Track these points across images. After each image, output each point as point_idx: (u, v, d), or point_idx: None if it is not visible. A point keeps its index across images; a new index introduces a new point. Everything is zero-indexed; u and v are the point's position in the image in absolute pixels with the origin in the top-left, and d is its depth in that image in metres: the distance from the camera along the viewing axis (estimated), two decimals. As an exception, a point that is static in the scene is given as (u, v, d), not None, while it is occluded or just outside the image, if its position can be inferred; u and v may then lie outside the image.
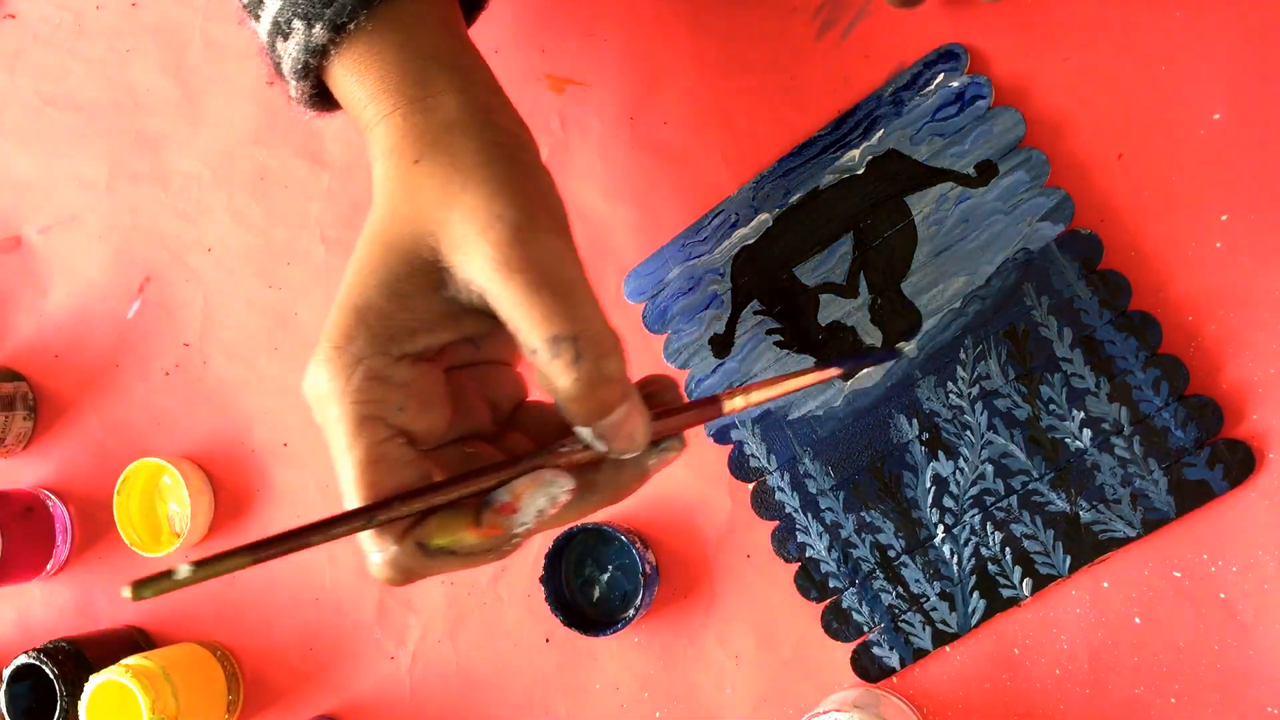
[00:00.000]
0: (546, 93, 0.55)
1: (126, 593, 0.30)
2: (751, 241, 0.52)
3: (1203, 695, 0.46)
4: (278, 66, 0.44)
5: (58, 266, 0.65)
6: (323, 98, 0.44)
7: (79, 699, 0.55)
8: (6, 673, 0.59)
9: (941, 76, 0.49)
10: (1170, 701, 0.46)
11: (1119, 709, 0.47)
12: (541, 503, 0.35)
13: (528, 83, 0.56)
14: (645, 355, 0.54)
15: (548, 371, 0.35)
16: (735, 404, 0.40)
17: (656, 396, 0.39)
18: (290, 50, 0.42)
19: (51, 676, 0.57)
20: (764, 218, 0.51)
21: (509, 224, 0.36)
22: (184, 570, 0.30)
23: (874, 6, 0.51)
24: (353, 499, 0.35)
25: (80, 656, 0.58)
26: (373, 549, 0.35)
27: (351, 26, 0.40)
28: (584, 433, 0.36)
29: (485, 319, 0.37)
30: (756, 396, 0.41)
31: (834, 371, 0.43)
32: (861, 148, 0.50)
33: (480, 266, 0.35)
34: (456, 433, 0.39)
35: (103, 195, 0.64)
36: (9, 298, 0.66)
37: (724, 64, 0.53)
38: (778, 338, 0.51)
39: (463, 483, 0.35)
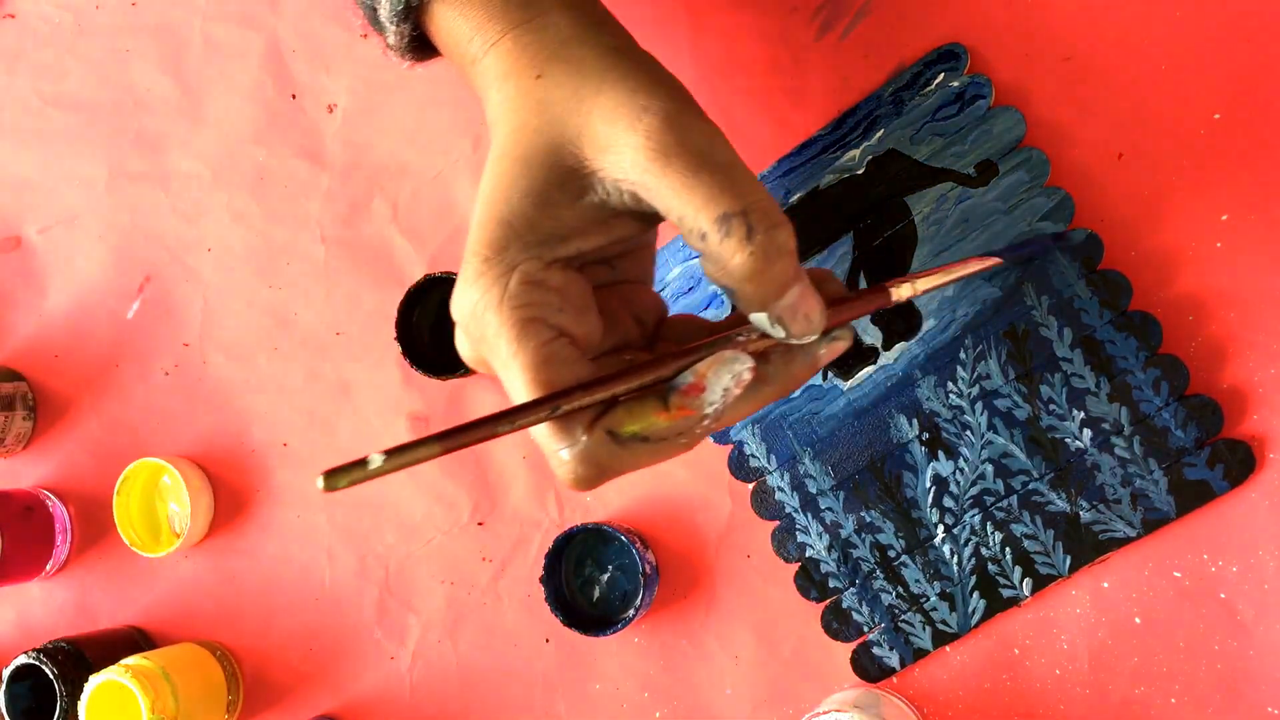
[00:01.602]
0: (546, 93, 0.55)
1: (320, 483, 0.29)
2: (751, 241, 0.51)
3: (1203, 695, 0.46)
4: (374, 14, 0.43)
5: (58, 266, 0.65)
6: (422, 43, 0.43)
7: (79, 699, 0.55)
8: (6, 673, 0.59)
9: (941, 76, 0.49)
10: (1170, 702, 0.46)
11: (1119, 709, 0.47)
12: (726, 380, 0.34)
13: (528, 83, 0.56)
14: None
15: (719, 252, 0.34)
16: (902, 292, 0.40)
17: (819, 287, 0.38)
18: None
19: (51, 676, 0.57)
20: (764, 218, 0.51)
21: (658, 113, 0.35)
22: (376, 460, 0.29)
23: (874, 6, 0.51)
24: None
25: (80, 656, 0.58)
26: (560, 445, 0.34)
27: None
28: (759, 318, 0.35)
29: (634, 221, 0.37)
30: (923, 285, 0.40)
31: (995, 261, 0.43)
32: (861, 148, 0.50)
33: (633, 160, 0.34)
34: (611, 343, 0.38)
35: (103, 195, 0.64)
36: (9, 298, 0.66)
37: (724, 64, 0.53)
38: (778, 338, 0.51)
39: (641, 371, 0.34)
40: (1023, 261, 0.48)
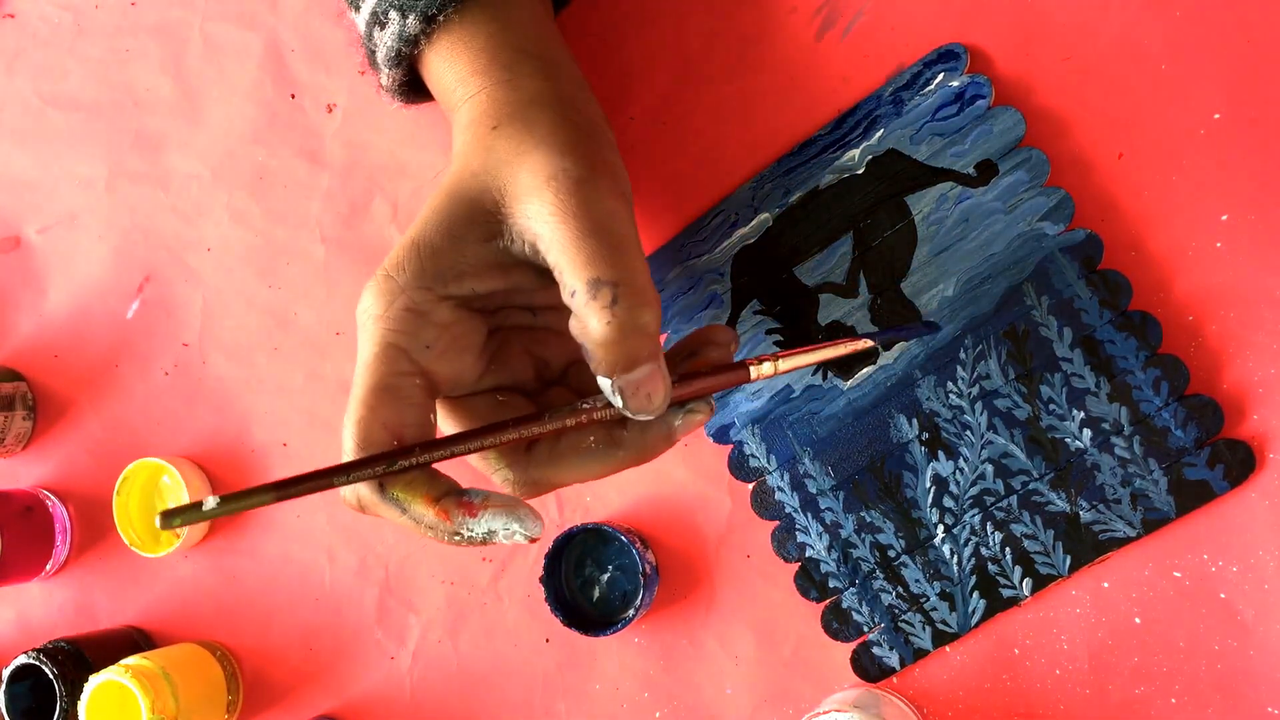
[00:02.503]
0: (546, 93, 0.55)
1: (158, 522, 0.32)
2: (751, 241, 0.52)
3: (1203, 695, 0.46)
4: (372, 55, 0.46)
5: (57, 266, 0.65)
6: (412, 88, 0.47)
7: (79, 699, 0.55)
8: (6, 673, 0.59)
9: (941, 76, 0.49)
10: (1170, 702, 0.46)
11: (1119, 709, 0.47)
12: (497, 525, 0.36)
13: (528, 83, 0.56)
14: (645, 355, 0.54)
15: (583, 313, 0.36)
16: (764, 370, 0.41)
17: (703, 352, 0.41)
18: (386, 39, 0.44)
19: (51, 676, 0.57)
20: (764, 217, 0.51)
21: (571, 177, 0.37)
22: (211, 503, 0.32)
23: (874, 6, 0.51)
24: (350, 422, 0.37)
25: (80, 656, 0.58)
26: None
27: (441, 18, 0.42)
28: (605, 384, 0.36)
29: (533, 274, 0.39)
30: (785, 365, 0.41)
31: (866, 343, 0.44)
32: (861, 147, 0.50)
33: (538, 212, 0.37)
34: (491, 383, 0.40)
35: (102, 195, 0.64)
36: (9, 298, 0.66)
37: (724, 64, 0.53)
38: (778, 338, 0.51)
39: (485, 433, 0.37)
40: (894, 342, 0.49)
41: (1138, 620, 0.47)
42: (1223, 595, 0.46)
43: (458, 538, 0.36)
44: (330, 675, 0.59)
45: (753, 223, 0.51)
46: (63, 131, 0.65)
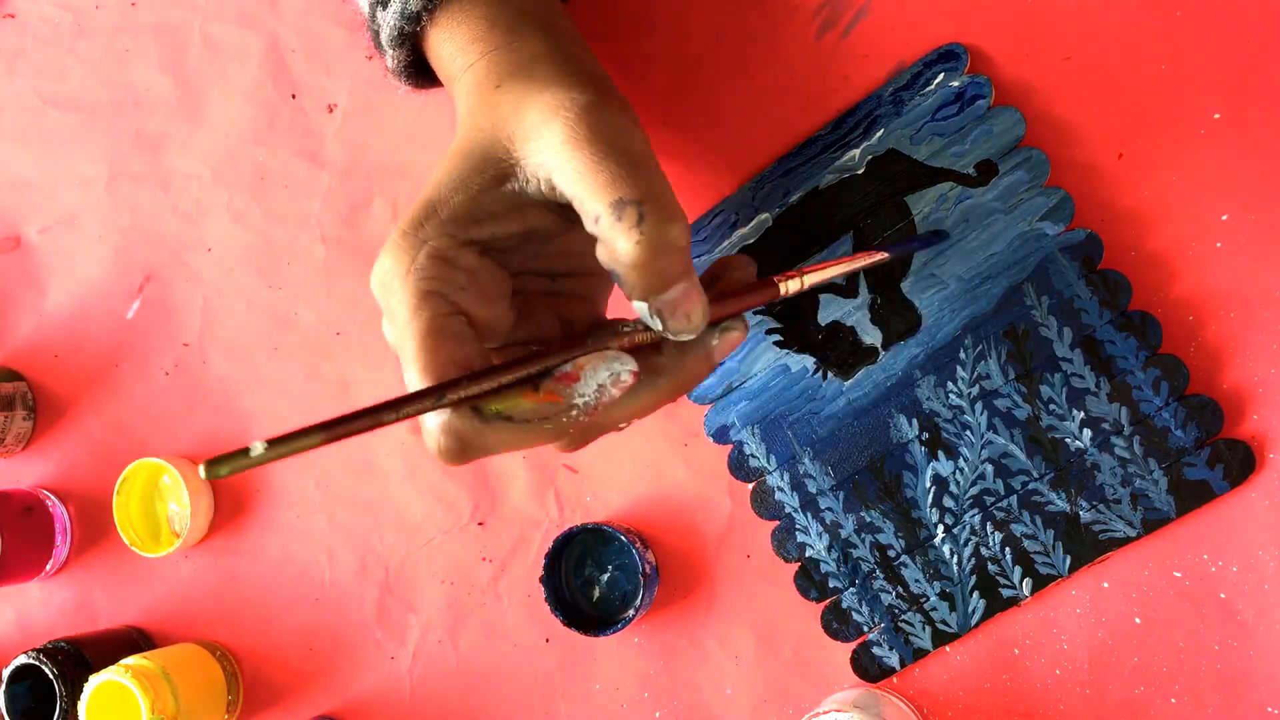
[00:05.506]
0: (546, 93, 0.55)
1: (202, 471, 0.29)
2: (751, 241, 0.52)
3: (1203, 695, 0.46)
4: (376, 37, 0.45)
5: (58, 266, 0.65)
6: (418, 70, 0.46)
7: (79, 699, 0.55)
8: (6, 673, 0.59)
9: (941, 76, 0.49)
10: (1170, 702, 0.46)
11: (1119, 709, 0.47)
12: (602, 375, 0.35)
13: (528, 83, 0.56)
14: (645, 355, 0.54)
15: (610, 236, 0.35)
16: (790, 287, 0.40)
17: (727, 275, 0.40)
18: (389, 19, 0.44)
19: (51, 676, 0.57)
20: (764, 217, 0.51)
21: (579, 104, 0.36)
22: (259, 448, 0.29)
23: (874, 6, 0.51)
24: (414, 371, 0.34)
25: (80, 657, 0.58)
26: (429, 415, 0.35)
27: None
28: (641, 307, 0.35)
29: (548, 213, 0.38)
30: (810, 279, 0.41)
31: (882, 255, 0.44)
32: (861, 147, 0.50)
33: (549, 144, 0.36)
34: (523, 335, 0.39)
35: (103, 195, 0.64)
36: (9, 298, 0.66)
37: (724, 64, 0.53)
38: (777, 338, 0.51)
39: (529, 362, 0.34)
40: (908, 254, 0.49)
41: (1138, 620, 0.47)
42: (1223, 595, 0.46)
43: (574, 411, 0.34)
44: (330, 675, 0.59)
45: (753, 223, 0.51)
46: (63, 131, 0.65)
